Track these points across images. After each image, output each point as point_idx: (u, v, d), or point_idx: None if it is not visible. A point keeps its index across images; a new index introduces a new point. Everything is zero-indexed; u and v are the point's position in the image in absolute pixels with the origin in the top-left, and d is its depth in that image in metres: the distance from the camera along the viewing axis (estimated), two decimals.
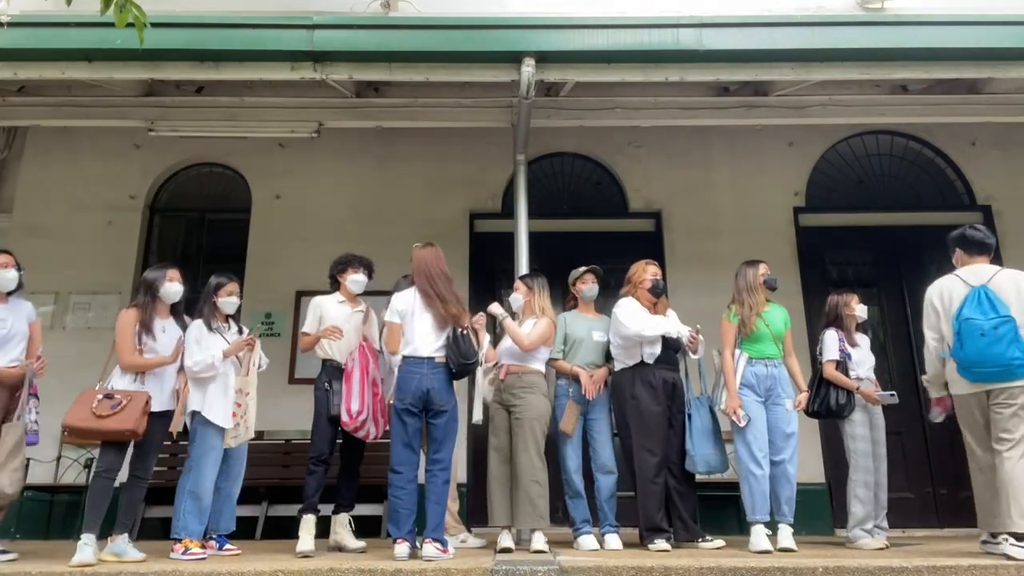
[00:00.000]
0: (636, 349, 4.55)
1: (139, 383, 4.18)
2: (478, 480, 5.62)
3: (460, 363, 4.09)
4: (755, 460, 4.33)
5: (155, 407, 4.16)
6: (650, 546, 4.24)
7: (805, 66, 4.97)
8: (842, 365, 4.69)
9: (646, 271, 4.72)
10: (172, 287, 4.35)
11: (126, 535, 4.08)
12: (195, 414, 4.29)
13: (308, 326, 4.72)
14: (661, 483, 4.42)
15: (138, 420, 4.01)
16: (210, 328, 4.41)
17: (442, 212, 6.82)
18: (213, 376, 4.32)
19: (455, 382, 4.26)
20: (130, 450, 4.20)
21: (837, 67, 4.99)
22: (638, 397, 4.49)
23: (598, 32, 4.88)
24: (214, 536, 4.37)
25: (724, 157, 7.03)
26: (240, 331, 4.60)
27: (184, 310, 4.53)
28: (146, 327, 4.22)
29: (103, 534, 4.07)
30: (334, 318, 4.67)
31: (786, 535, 4.27)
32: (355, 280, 4.79)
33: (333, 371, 4.61)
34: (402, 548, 3.85)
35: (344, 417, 4.39)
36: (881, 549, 4.38)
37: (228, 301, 4.50)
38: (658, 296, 4.68)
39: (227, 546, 4.34)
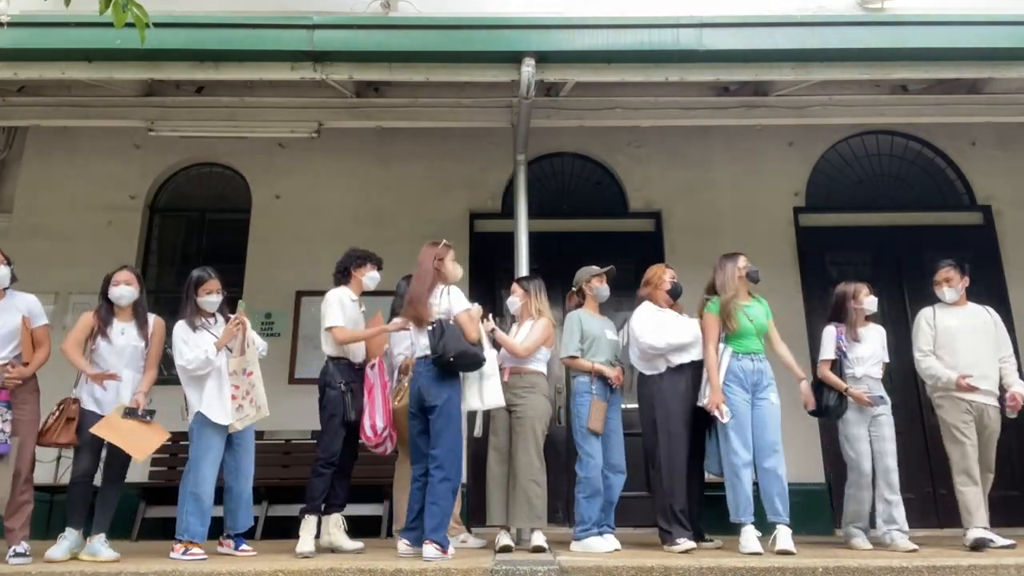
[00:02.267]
0: (659, 361, 4.56)
1: (83, 384, 4.23)
2: (478, 480, 5.61)
3: (435, 356, 3.98)
4: (739, 459, 4.26)
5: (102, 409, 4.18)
6: (671, 547, 4.18)
7: (805, 66, 4.96)
8: (838, 364, 4.59)
9: (666, 272, 4.78)
10: (117, 290, 4.29)
11: (103, 535, 4.11)
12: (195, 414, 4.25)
13: (337, 319, 4.42)
14: (685, 482, 4.43)
15: (61, 431, 4.10)
16: (193, 328, 4.29)
17: (442, 212, 6.82)
18: (209, 372, 4.23)
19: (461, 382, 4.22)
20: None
21: (837, 67, 4.99)
22: (672, 395, 4.51)
23: (598, 32, 4.88)
24: (231, 535, 4.31)
25: (724, 157, 7.03)
26: (228, 320, 4.42)
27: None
28: (100, 330, 4.23)
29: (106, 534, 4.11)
30: (350, 315, 4.54)
31: (784, 536, 4.12)
32: (372, 277, 4.71)
33: (348, 370, 4.46)
34: (402, 544, 3.88)
35: (368, 432, 4.32)
36: (870, 549, 4.34)
37: (208, 300, 4.36)
38: (675, 298, 4.75)
39: (243, 547, 4.27)
